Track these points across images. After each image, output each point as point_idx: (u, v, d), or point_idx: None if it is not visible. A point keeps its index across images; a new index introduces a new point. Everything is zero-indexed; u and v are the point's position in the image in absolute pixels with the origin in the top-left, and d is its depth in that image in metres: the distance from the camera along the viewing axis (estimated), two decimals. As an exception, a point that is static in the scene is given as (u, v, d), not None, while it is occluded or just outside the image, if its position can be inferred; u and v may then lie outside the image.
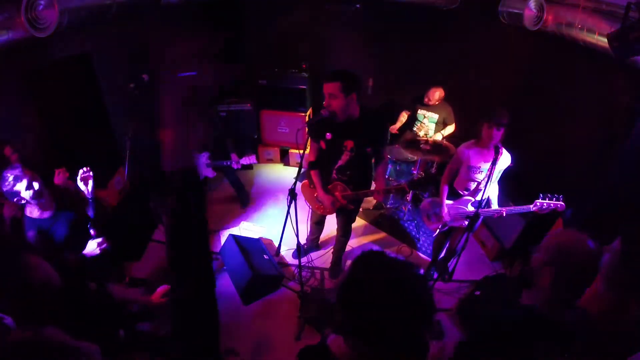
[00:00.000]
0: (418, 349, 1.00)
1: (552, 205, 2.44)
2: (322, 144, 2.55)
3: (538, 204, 2.48)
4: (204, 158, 3.83)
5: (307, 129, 2.46)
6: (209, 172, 3.93)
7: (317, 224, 3.32)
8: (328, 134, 2.49)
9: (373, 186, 2.74)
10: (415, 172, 3.94)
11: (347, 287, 0.97)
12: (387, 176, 4.17)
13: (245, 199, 4.23)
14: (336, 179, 2.69)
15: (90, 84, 3.16)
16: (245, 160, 3.71)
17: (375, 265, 0.97)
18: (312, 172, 2.70)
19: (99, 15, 2.56)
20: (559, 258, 1.24)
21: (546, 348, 1.18)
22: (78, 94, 3.06)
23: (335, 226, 3.14)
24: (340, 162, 2.61)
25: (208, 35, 4.85)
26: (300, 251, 2.70)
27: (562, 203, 2.44)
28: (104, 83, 3.22)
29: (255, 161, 3.75)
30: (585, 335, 1.23)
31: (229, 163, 3.74)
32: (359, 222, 4.04)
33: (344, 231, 3.11)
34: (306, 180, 2.90)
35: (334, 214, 2.98)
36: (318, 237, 3.52)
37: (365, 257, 0.99)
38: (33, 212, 2.01)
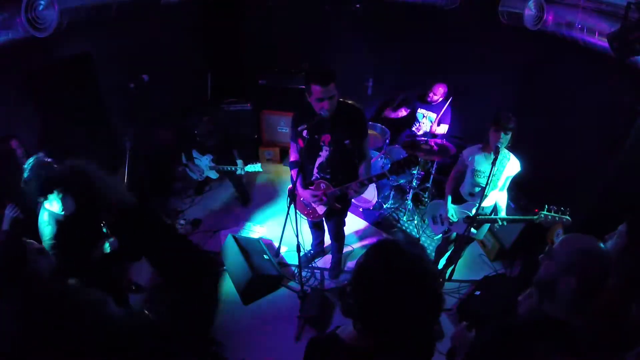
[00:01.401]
0: (424, 338, 1.03)
1: (556, 219, 2.33)
2: (300, 142, 2.45)
3: (542, 216, 2.37)
4: (206, 161, 3.85)
5: (290, 129, 2.40)
6: (211, 174, 3.96)
7: (316, 228, 3.27)
8: (304, 130, 2.40)
9: None
10: (415, 172, 3.94)
11: (361, 273, 0.99)
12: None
13: (246, 198, 4.24)
14: (318, 177, 2.61)
15: (90, 84, 3.15)
16: (250, 169, 3.74)
17: (390, 252, 0.99)
18: (293, 172, 2.61)
19: (99, 15, 2.56)
20: (578, 268, 1.17)
21: (546, 348, 1.18)
22: (78, 94, 3.06)
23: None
24: (320, 159, 2.54)
25: (208, 35, 4.87)
26: (300, 251, 2.70)
27: (569, 217, 2.32)
28: (104, 83, 3.22)
29: (260, 169, 3.77)
30: (590, 335, 1.22)
31: (234, 169, 3.78)
32: (359, 223, 4.04)
33: (336, 235, 3.09)
34: (290, 185, 2.77)
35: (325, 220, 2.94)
36: (322, 242, 3.46)
37: (381, 244, 1.02)
38: (53, 205, 1.91)
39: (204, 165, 3.89)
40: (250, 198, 4.32)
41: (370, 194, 4.05)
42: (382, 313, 0.95)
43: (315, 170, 2.59)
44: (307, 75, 2.31)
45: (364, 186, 2.47)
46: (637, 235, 1.42)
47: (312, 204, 2.69)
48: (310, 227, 3.28)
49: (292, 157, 2.62)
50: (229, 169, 3.81)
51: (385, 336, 0.99)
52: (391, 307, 0.93)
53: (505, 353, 1.22)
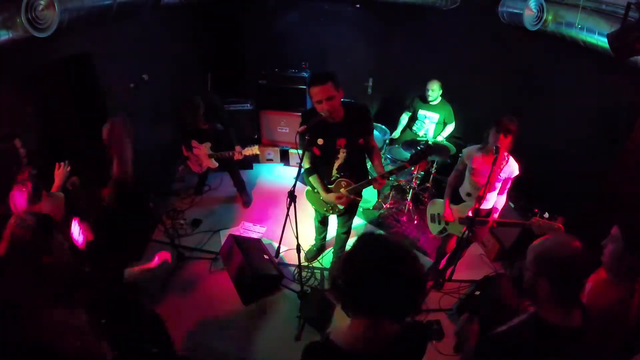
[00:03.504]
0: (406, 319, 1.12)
1: (548, 225, 2.31)
2: (316, 151, 2.54)
3: (535, 221, 2.35)
4: (205, 149, 3.80)
5: (297, 138, 2.38)
6: (210, 164, 3.87)
7: (322, 223, 3.35)
8: (320, 139, 2.49)
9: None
10: (415, 172, 3.94)
11: (351, 258, 1.10)
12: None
13: (246, 195, 4.24)
14: (339, 177, 2.70)
15: (90, 84, 3.15)
16: (247, 151, 3.68)
17: (374, 243, 1.11)
18: (311, 178, 2.71)
19: (99, 15, 2.56)
20: (545, 267, 1.23)
21: (547, 349, 1.18)
22: (78, 94, 3.06)
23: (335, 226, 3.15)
24: (338, 162, 2.62)
25: (208, 35, 4.87)
26: (300, 251, 2.70)
27: (561, 225, 2.30)
28: (104, 83, 3.22)
29: (257, 152, 3.73)
30: (588, 336, 1.23)
31: (232, 154, 3.71)
32: (358, 222, 4.04)
33: (347, 228, 3.12)
34: (308, 188, 2.89)
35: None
36: (325, 236, 3.54)
37: (366, 236, 1.15)
38: None
39: (203, 154, 3.81)
40: (250, 196, 4.32)
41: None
42: (369, 290, 1.05)
43: (335, 171, 2.68)
44: (308, 81, 2.34)
45: (386, 178, 2.54)
46: (633, 237, 1.43)
47: (337, 204, 2.77)
48: (319, 222, 3.32)
49: (306, 164, 2.64)
50: (228, 154, 3.73)
51: (374, 314, 1.08)
52: (377, 283, 1.03)
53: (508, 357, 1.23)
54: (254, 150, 3.69)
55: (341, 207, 2.81)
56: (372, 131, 2.67)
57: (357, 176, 2.68)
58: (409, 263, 1.06)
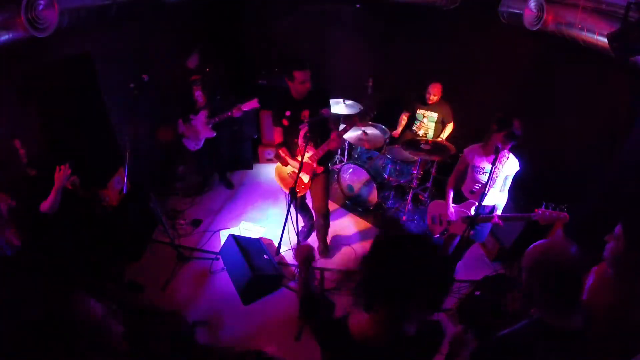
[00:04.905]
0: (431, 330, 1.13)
1: (554, 215, 2.33)
2: (285, 122, 2.94)
3: (540, 212, 2.37)
4: (202, 117, 3.75)
5: (273, 117, 3.03)
6: (207, 132, 3.85)
7: (302, 209, 3.51)
8: (287, 111, 2.92)
9: None
10: (415, 172, 3.94)
11: (370, 262, 1.09)
12: (386, 175, 4.16)
13: (228, 182, 4.46)
14: (304, 145, 2.93)
15: (90, 84, 3.16)
16: (247, 107, 3.64)
17: (396, 242, 1.10)
18: (280, 150, 3.08)
19: (99, 15, 2.56)
20: (541, 275, 1.24)
21: (546, 348, 1.19)
22: (78, 94, 3.06)
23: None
24: (303, 131, 2.88)
25: (208, 35, 4.87)
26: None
27: (566, 214, 2.32)
28: (104, 83, 3.22)
29: (257, 105, 3.68)
30: (589, 337, 1.23)
31: (232, 112, 3.68)
32: (360, 224, 4.04)
33: (323, 210, 3.26)
34: (277, 163, 3.18)
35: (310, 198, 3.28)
36: (312, 216, 3.66)
37: (386, 236, 1.15)
38: None
39: (200, 122, 3.78)
40: (232, 182, 4.54)
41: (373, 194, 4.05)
42: (394, 291, 1.01)
43: (301, 140, 2.97)
44: (287, 64, 2.79)
45: (341, 137, 3.00)
46: (634, 237, 1.43)
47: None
48: (299, 211, 3.43)
49: (278, 139, 3.11)
50: (228, 114, 3.67)
51: (398, 316, 1.05)
52: (402, 284, 1.00)
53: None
54: (254, 103, 3.63)
55: (305, 179, 3.07)
56: (329, 106, 3.07)
57: (320, 144, 3.03)
58: (432, 263, 1.03)
